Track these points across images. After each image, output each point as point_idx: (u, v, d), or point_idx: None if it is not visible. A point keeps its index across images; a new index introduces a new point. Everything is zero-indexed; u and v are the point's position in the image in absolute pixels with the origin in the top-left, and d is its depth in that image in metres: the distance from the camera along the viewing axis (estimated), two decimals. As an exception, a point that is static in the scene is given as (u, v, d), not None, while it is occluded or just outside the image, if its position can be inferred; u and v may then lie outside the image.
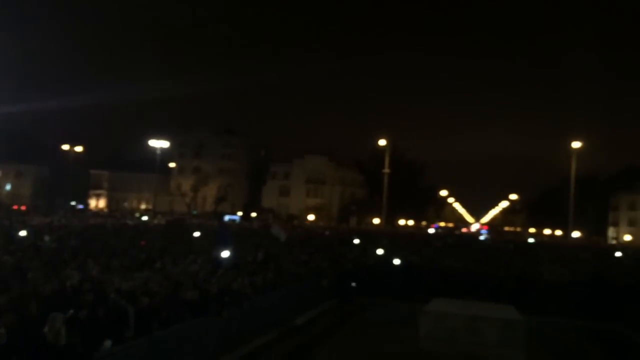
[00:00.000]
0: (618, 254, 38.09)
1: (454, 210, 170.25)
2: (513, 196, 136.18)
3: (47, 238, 23.97)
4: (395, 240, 40.69)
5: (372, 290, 20.73)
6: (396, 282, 20.88)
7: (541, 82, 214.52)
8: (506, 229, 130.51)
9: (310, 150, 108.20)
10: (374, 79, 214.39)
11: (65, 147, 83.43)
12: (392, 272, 21.74)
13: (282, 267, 18.15)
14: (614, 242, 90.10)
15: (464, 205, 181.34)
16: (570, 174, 64.03)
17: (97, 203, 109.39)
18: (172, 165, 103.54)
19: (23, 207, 77.49)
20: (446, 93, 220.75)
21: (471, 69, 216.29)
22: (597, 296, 19.18)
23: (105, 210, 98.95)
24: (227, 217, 76.38)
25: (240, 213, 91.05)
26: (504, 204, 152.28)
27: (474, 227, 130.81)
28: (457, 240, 55.06)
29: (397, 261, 22.22)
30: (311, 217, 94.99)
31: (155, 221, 58.89)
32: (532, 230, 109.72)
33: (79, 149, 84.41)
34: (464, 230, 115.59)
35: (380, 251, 26.04)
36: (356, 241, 35.50)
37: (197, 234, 32.26)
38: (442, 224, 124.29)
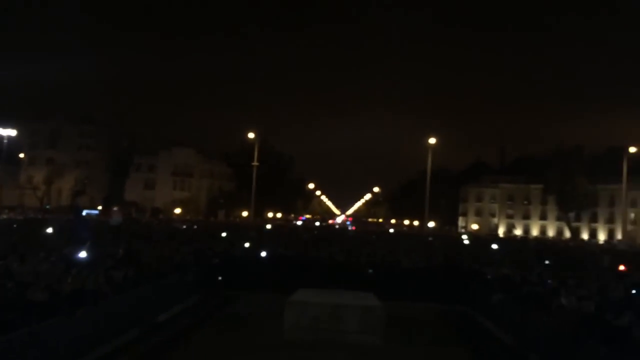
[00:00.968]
0: (466, 241, 41.63)
1: (322, 203, 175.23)
2: (376, 189, 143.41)
3: None
4: (263, 232, 40.90)
5: (239, 283, 20.71)
6: (263, 275, 21.01)
7: (403, 80, 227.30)
8: (370, 220, 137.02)
9: (177, 142, 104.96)
10: (244, 72, 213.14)
11: None
12: (260, 264, 21.85)
13: (144, 262, 17.43)
14: (462, 230, 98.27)
15: (330, 198, 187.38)
16: (426, 167, 68.75)
17: None
18: (22, 155, 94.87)
19: None
20: (315, 87, 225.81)
21: (339, 63, 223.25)
22: (447, 281, 20.86)
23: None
24: (84, 212, 71.54)
25: (100, 207, 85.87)
26: (367, 196, 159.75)
27: (340, 219, 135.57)
28: (324, 231, 56.67)
29: (263, 253, 22.35)
30: (178, 210, 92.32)
31: (5, 216, 53.81)
32: (393, 220, 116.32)
33: None
34: (330, 221, 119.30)
35: (247, 244, 26.02)
36: (224, 234, 35.13)
37: (49, 229, 29.85)
38: (309, 216, 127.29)
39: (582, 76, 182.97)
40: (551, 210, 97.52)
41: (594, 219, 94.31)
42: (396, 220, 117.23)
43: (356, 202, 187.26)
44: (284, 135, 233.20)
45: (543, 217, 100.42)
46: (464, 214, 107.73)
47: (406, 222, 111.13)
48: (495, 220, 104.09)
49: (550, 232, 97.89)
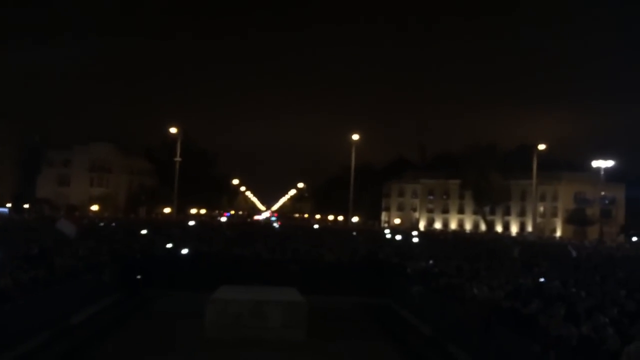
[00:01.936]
0: (388, 235, 42.65)
1: (247, 199, 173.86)
2: (300, 184, 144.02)
3: None
4: (187, 229, 40.01)
5: (160, 282, 20.15)
6: (185, 273, 20.56)
7: (327, 76, 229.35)
8: (295, 215, 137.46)
9: (94, 136, 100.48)
10: (165, 65, 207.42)
11: None
12: (182, 262, 21.36)
13: (57, 262, 16.55)
14: (385, 225, 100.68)
15: (255, 194, 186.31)
16: (350, 164, 69.78)
17: None
18: None
19: None
20: (238, 82, 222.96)
21: (262, 57, 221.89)
22: (369, 275, 21.28)
23: None
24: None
25: (9, 205, 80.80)
26: (292, 192, 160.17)
27: (265, 215, 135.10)
28: (248, 227, 56.18)
29: (185, 251, 21.87)
30: (95, 207, 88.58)
31: None
32: (318, 216, 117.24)
33: None
34: (255, 218, 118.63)
35: (169, 242, 25.33)
36: (144, 232, 34.02)
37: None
38: (234, 212, 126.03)
39: (495, 76, 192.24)
40: (468, 204, 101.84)
41: (507, 212, 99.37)
42: (321, 215, 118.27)
43: (281, 197, 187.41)
44: (207, 132, 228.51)
45: (461, 211, 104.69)
46: (387, 209, 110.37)
47: (331, 217, 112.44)
48: (417, 214, 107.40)
49: (468, 226, 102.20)
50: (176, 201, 72.92)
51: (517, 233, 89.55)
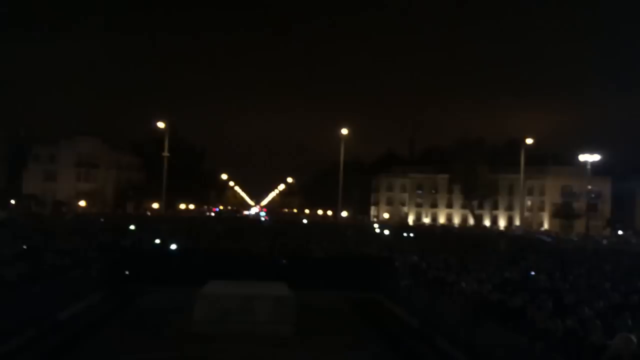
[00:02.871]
0: (377, 229, 42.80)
1: (236, 194, 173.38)
2: (289, 179, 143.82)
3: None
4: (175, 224, 39.88)
5: (148, 278, 19.99)
6: (174, 268, 20.48)
7: (315, 71, 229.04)
8: (285, 210, 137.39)
9: (80, 130, 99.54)
10: (153, 59, 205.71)
11: None
12: (170, 257, 21.28)
13: (43, 258, 16.44)
14: (375, 219, 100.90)
15: (244, 189, 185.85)
16: (339, 158, 69.78)
17: None
18: None
19: None
20: (226, 76, 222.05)
21: (249, 53, 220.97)
22: (358, 269, 21.31)
23: None
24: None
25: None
26: (281, 186, 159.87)
27: (254, 210, 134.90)
28: (238, 222, 56.16)
29: (173, 246, 21.79)
30: (83, 203, 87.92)
31: None
32: (307, 211, 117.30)
33: None
34: (244, 212, 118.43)
35: (157, 237, 25.26)
36: (132, 227, 33.90)
37: None
38: (222, 207, 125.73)
39: (482, 71, 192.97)
40: (456, 198, 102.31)
41: (495, 206, 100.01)
42: (310, 210, 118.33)
43: (270, 192, 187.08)
44: (196, 127, 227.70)
45: (449, 205, 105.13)
46: (376, 204, 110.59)
47: (320, 212, 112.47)
48: (405, 209, 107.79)
49: (456, 220, 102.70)
50: (164, 196, 72.52)
51: (505, 227, 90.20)
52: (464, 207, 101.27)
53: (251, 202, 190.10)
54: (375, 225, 55.72)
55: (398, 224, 77.28)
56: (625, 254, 28.51)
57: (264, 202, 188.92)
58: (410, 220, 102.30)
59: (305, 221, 67.67)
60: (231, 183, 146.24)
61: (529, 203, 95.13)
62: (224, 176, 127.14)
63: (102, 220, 48.46)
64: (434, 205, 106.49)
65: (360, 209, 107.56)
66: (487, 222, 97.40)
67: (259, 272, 18.75)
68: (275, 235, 34.52)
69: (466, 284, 14.61)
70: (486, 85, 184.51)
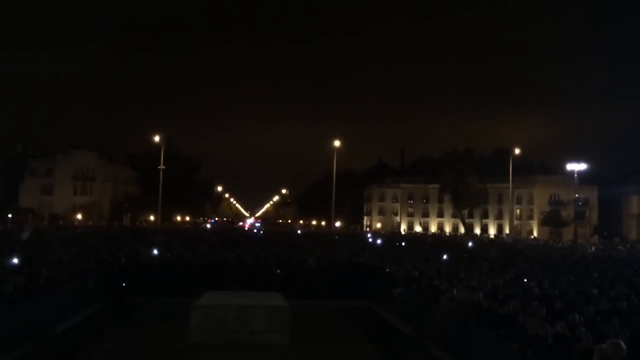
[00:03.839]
0: (370, 239, 43.00)
1: (231, 205, 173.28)
2: (284, 190, 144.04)
3: None
4: (172, 237, 39.97)
5: (145, 289, 20.14)
6: (170, 279, 20.65)
7: (311, 84, 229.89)
8: (279, 221, 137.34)
9: (76, 145, 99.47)
10: (149, 74, 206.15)
11: None
12: (167, 269, 21.44)
13: (40, 271, 16.58)
14: (367, 229, 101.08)
15: (239, 200, 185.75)
16: (332, 169, 70.14)
17: None
18: None
19: None
20: (221, 90, 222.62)
21: (243, 68, 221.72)
22: (352, 278, 21.56)
23: None
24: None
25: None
26: (275, 198, 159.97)
27: (249, 221, 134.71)
28: (232, 234, 56.17)
29: (170, 258, 21.96)
30: (79, 216, 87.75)
31: None
32: (301, 221, 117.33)
33: None
34: (240, 224, 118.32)
35: (155, 249, 25.39)
36: (129, 239, 34.01)
37: None
38: (218, 218, 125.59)
39: (471, 82, 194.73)
40: (447, 208, 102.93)
41: (485, 215, 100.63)
42: (304, 220, 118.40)
43: (265, 204, 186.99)
44: (191, 139, 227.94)
45: (440, 214, 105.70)
46: (369, 213, 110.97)
47: (314, 222, 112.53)
48: (397, 218, 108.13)
49: (447, 229, 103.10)
50: (160, 208, 72.53)
51: (495, 235, 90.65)
52: (454, 216, 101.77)
53: (246, 213, 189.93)
54: (368, 235, 55.92)
55: (390, 233, 77.53)
56: (612, 261, 28.86)
57: (259, 213, 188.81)
58: (402, 229, 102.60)
59: (299, 231, 67.77)
60: (226, 195, 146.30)
61: (518, 211, 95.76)
62: (219, 188, 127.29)
63: (98, 233, 48.42)
64: (425, 214, 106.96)
65: (353, 219, 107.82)
66: (477, 231, 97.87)
67: (255, 282, 18.98)
68: (270, 245, 34.70)
69: (457, 291, 14.88)
70: (474, 96, 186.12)
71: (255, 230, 73.50)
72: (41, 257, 19.89)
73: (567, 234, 79.36)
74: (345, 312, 19.32)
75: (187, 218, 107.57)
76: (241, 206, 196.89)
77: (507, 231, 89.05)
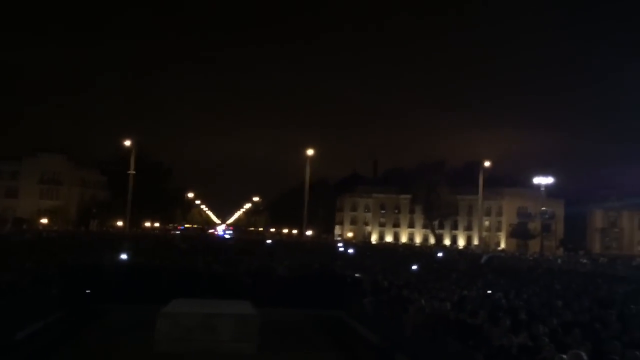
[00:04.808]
0: (341, 248, 43.09)
1: (201, 212, 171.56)
2: (256, 198, 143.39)
3: None
4: (140, 243, 39.40)
5: (111, 296, 19.74)
6: (137, 287, 20.30)
7: (285, 92, 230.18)
8: (250, 228, 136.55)
9: (43, 147, 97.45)
10: (120, 78, 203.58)
11: None
12: (133, 276, 21.07)
13: (0, 277, 16.14)
14: (339, 238, 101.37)
15: (210, 207, 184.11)
16: (305, 178, 70.13)
17: None
18: None
19: None
20: (193, 96, 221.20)
21: (216, 73, 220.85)
22: (322, 287, 21.53)
23: None
24: None
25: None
26: (247, 205, 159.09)
27: (220, 228, 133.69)
28: (204, 241, 55.65)
29: (137, 264, 21.61)
30: (45, 220, 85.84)
31: None
32: (272, 229, 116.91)
33: None
34: (210, 231, 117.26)
35: (121, 255, 24.93)
36: (94, 245, 33.37)
37: None
38: (188, 225, 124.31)
39: (442, 95, 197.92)
40: (418, 218, 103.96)
41: (454, 226, 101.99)
42: (276, 228, 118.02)
43: (237, 211, 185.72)
44: (162, 145, 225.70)
45: (411, 225, 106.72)
46: (340, 223, 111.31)
47: (285, 230, 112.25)
48: (369, 228, 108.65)
49: (418, 239, 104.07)
50: (129, 214, 71.37)
51: (464, 246, 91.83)
52: (425, 226, 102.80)
53: (217, 221, 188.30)
54: (339, 244, 55.99)
55: (361, 243, 77.84)
56: (576, 274, 29.49)
57: (230, 220, 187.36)
58: (373, 239, 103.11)
59: (269, 241, 67.53)
60: (197, 202, 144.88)
61: (487, 223, 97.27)
62: (191, 194, 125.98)
63: (63, 237, 47.43)
64: (397, 224, 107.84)
65: (325, 228, 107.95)
66: (447, 241, 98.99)
67: (224, 291, 18.78)
68: (241, 253, 34.46)
69: (426, 301, 14.98)
70: (446, 109, 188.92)
71: (226, 236, 72.94)
72: (2, 262, 19.33)
73: (534, 246, 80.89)
74: (315, 321, 19.27)
75: (157, 224, 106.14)
76: (212, 213, 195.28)
77: (476, 242, 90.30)
